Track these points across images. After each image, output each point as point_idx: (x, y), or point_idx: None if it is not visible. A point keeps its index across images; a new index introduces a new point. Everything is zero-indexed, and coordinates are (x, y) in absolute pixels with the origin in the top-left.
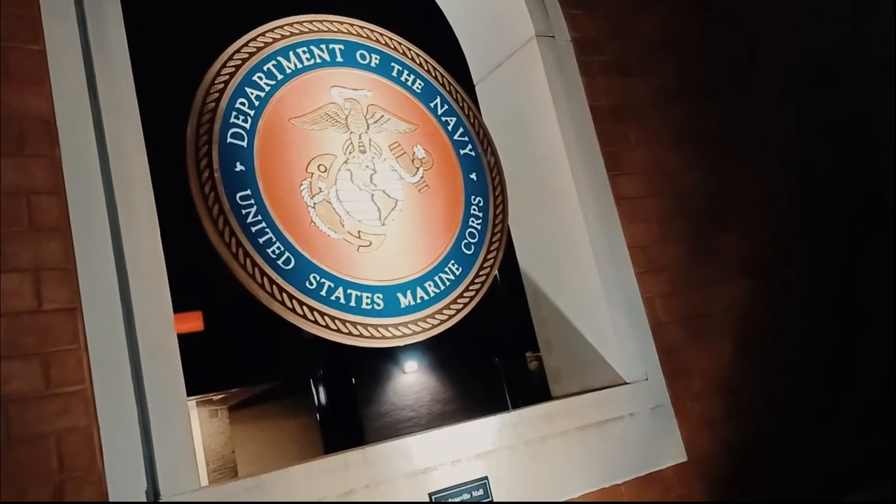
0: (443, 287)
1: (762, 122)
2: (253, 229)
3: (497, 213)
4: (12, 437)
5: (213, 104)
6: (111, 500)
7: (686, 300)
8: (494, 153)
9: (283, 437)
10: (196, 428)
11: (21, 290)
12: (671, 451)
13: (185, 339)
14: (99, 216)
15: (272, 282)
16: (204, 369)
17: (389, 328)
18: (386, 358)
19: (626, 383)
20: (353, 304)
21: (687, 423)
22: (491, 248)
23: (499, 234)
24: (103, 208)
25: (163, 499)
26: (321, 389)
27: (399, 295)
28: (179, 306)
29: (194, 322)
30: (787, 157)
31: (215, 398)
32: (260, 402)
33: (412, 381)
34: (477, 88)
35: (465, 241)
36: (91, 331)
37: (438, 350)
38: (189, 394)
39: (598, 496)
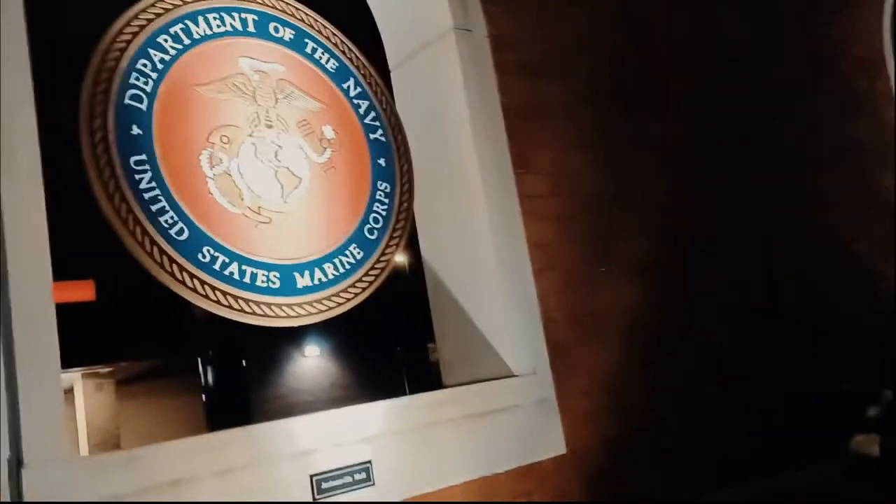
0: (342, 270)
1: (666, 131)
2: (146, 196)
3: (403, 200)
4: None
5: (114, 63)
6: None
7: (579, 299)
8: (405, 141)
9: (173, 416)
10: (80, 401)
11: None
12: (552, 444)
13: (72, 309)
14: None
15: (162, 251)
16: (91, 340)
17: (284, 307)
18: (286, 340)
19: (514, 376)
20: (247, 280)
21: (569, 417)
22: (394, 235)
23: (403, 222)
24: None
25: (27, 467)
26: (213, 369)
27: (296, 274)
28: (70, 274)
29: (85, 291)
30: (686, 167)
31: (102, 371)
32: (150, 379)
33: (312, 365)
34: (392, 74)
35: (369, 225)
36: None
37: (340, 335)
38: (74, 365)
39: (479, 484)
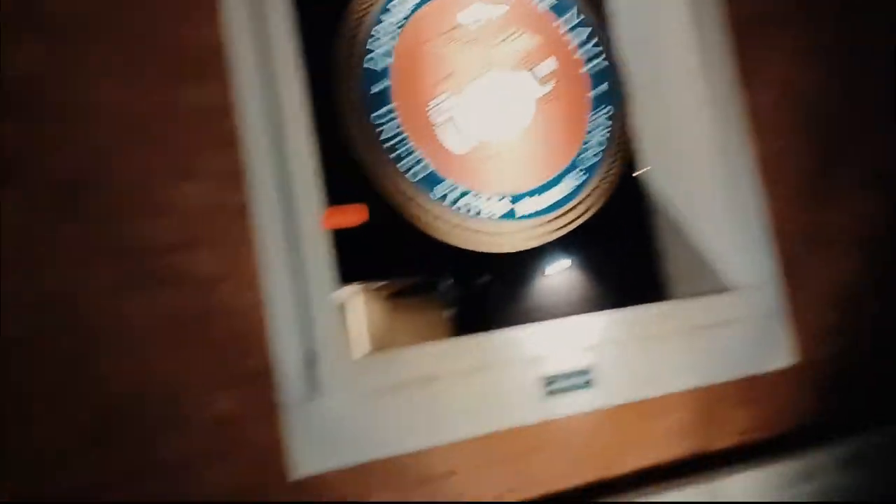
0: (564, 194)
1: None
2: (388, 144)
3: (623, 121)
4: (200, 310)
5: (356, 29)
6: (277, 362)
7: (809, 211)
8: (623, 64)
9: (433, 328)
10: (361, 313)
11: (205, 192)
12: (777, 357)
13: (349, 230)
14: (265, 131)
15: (403, 191)
16: (365, 259)
17: (508, 235)
18: (524, 260)
19: (739, 288)
20: (474, 212)
21: (796, 329)
22: (615, 157)
23: (623, 144)
24: (268, 124)
25: (309, 367)
26: (463, 286)
27: (520, 203)
28: (347, 198)
29: (359, 214)
30: None
31: (375, 286)
32: (414, 295)
33: (548, 282)
34: None
35: (590, 150)
36: (261, 228)
37: (572, 253)
38: (352, 280)
39: (699, 394)
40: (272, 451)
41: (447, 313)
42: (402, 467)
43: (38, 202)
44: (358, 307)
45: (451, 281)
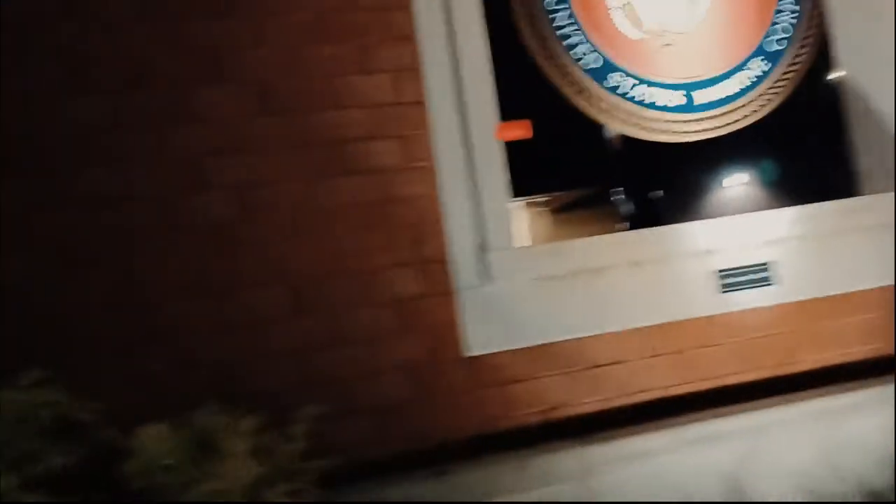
0: (745, 85)
1: None
2: (560, 32)
3: (814, 5)
4: (381, 198)
5: None
6: (451, 249)
7: None
8: None
9: None
10: (524, 227)
11: (384, 86)
12: None
13: (512, 146)
14: (439, 27)
15: (576, 80)
16: (529, 174)
17: (684, 123)
18: (697, 164)
19: None
20: (649, 100)
21: None
22: (804, 45)
23: (814, 30)
24: (442, 20)
25: (488, 251)
26: (632, 198)
27: (698, 92)
28: (510, 114)
29: (523, 130)
30: None
31: (539, 201)
32: (578, 208)
33: (730, 178)
34: None
35: (775, 37)
36: (435, 122)
37: (751, 150)
38: (515, 196)
39: (885, 293)
40: (448, 331)
41: (619, 225)
42: (571, 352)
43: (236, 97)
44: (525, 220)
45: (622, 190)
